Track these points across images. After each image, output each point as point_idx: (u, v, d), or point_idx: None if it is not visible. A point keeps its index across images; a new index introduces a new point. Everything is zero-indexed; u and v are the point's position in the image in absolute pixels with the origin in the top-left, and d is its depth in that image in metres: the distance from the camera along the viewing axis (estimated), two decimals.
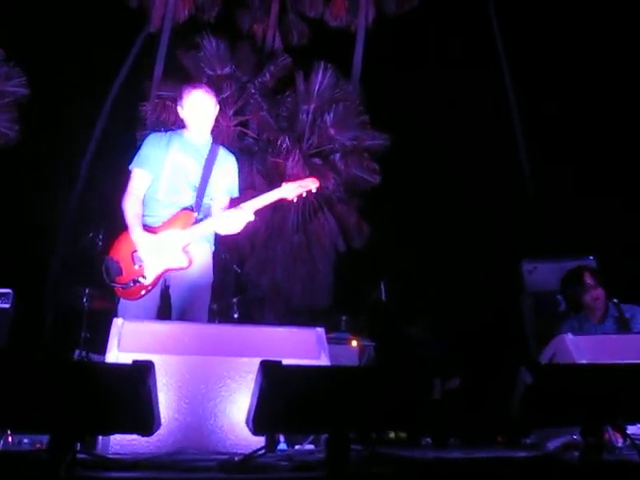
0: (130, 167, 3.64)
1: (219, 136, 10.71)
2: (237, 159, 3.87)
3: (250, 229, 10.63)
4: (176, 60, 11.27)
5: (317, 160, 10.74)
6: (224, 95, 10.69)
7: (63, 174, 12.41)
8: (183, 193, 3.56)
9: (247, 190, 10.02)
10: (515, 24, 12.89)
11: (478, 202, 11.79)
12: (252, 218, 3.50)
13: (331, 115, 10.70)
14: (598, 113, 11.20)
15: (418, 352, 6.41)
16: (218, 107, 3.76)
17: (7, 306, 5.13)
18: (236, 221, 3.49)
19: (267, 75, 10.91)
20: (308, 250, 10.42)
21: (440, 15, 12.96)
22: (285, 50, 12.58)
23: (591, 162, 10.89)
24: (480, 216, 11.62)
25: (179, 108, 3.72)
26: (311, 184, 3.60)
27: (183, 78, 10.76)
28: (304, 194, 3.59)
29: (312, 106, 10.78)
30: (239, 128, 10.99)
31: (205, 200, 3.60)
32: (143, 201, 3.59)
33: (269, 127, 10.70)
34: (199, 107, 3.63)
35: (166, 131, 3.85)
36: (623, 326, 4.22)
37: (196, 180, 3.58)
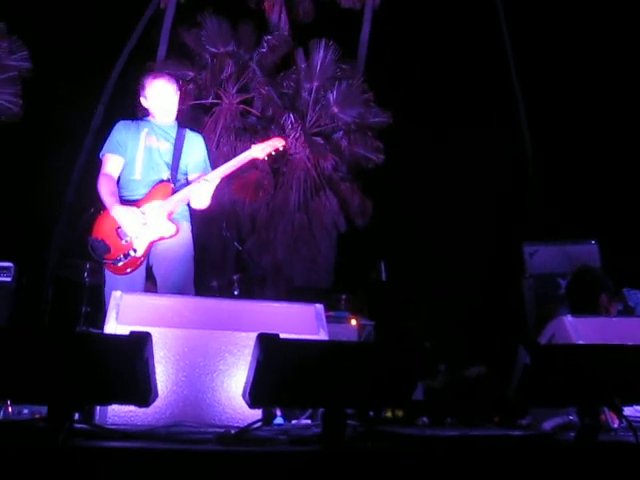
0: (101, 154, 3.78)
1: (221, 113, 10.69)
2: (204, 139, 4.04)
3: (251, 208, 10.57)
4: (179, 39, 11.18)
5: (319, 139, 10.68)
6: (226, 74, 10.63)
7: (66, 149, 12.37)
8: (160, 171, 3.70)
9: (250, 169, 10.03)
10: (521, 10, 12.77)
11: (480, 184, 11.75)
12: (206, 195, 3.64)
13: (334, 93, 10.63)
14: (600, 96, 11.13)
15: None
16: (179, 93, 3.90)
17: (8, 279, 5.15)
18: (207, 192, 3.63)
19: (265, 47, 10.78)
20: (310, 229, 10.41)
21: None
22: (291, 28, 12.47)
23: (593, 145, 10.84)
24: (482, 198, 11.58)
25: (142, 99, 3.87)
26: (277, 143, 3.83)
27: (186, 56, 10.73)
28: (273, 153, 3.80)
29: (315, 84, 10.70)
30: (242, 106, 10.93)
31: (179, 176, 3.75)
32: (120, 184, 3.71)
33: (272, 104, 10.63)
34: (161, 95, 3.78)
35: (132, 120, 3.94)
36: (626, 312, 4.19)
37: (169, 159, 3.74)
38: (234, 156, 10.99)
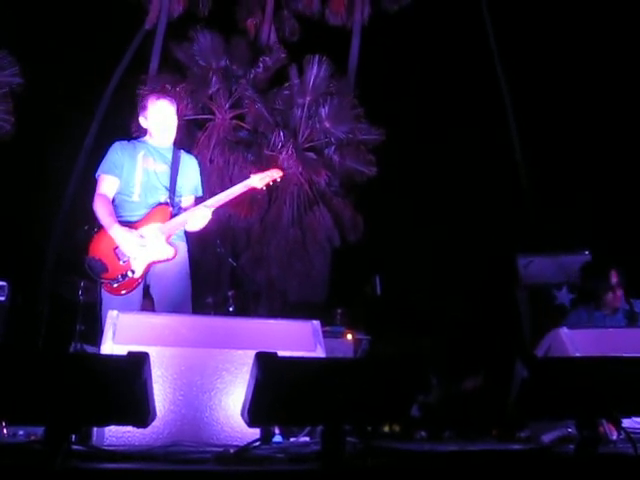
0: (97, 174, 3.76)
1: (214, 129, 10.72)
2: (199, 162, 4.05)
3: (245, 223, 10.56)
4: (171, 54, 11.22)
5: (312, 154, 10.71)
6: (216, 88, 10.67)
7: (60, 166, 12.36)
8: (158, 194, 3.71)
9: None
10: (508, 20, 12.89)
11: (473, 195, 11.79)
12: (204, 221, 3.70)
13: (326, 108, 10.68)
14: (594, 106, 11.21)
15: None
16: (176, 117, 3.91)
17: (2, 298, 5.13)
18: (204, 216, 3.67)
19: (261, 67, 10.85)
20: (303, 244, 10.42)
21: (435, 12, 12.95)
22: (281, 45, 12.55)
23: (587, 155, 10.89)
24: (475, 209, 11.61)
25: (141, 118, 3.86)
26: (275, 174, 3.89)
27: (177, 71, 10.77)
28: (271, 183, 3.87)
29: (307, 99, 10.76)
30: (235, 121, 10.96)
31: (176, 199, 3.76)
32: (117, 204, 3.70)
33: (264, 121, 10.67)
34: (163, 116, 3.79)
35: (129, 140, 3.94)
36: (632, 320, 4.23)
37: (166, 182, 3.75)
38: (227, 169, 11.00)
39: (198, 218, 3.66)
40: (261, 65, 10.85)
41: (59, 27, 11.91)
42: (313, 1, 13.00)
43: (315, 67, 10.67)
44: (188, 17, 12.62)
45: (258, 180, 3.81)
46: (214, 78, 10.60)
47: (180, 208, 3.75)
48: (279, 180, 3.92)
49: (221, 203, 3.73)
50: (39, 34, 11.52)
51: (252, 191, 3.88)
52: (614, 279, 4.28)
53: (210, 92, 10.72)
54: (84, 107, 12.77)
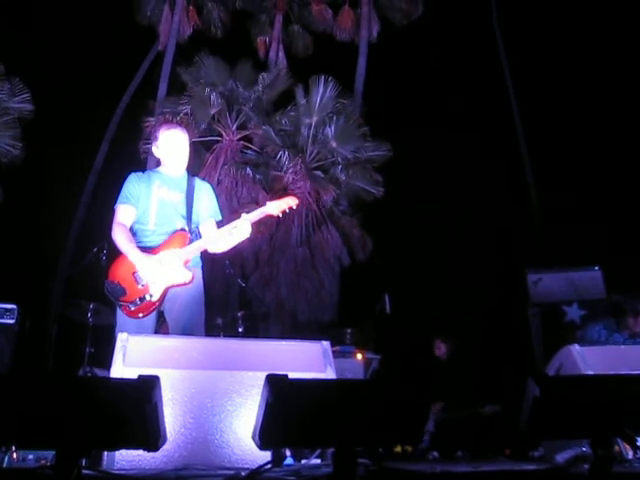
0: (115, 206, 3.82)
1: (222, 150, 10.79)
2: (213, 187, 4.12)
3: (254, 244, 10.57)
4: (179, 77, 11.35)
5: (319, 173, 10.74)
6: (222, 110, 10.75)
7: (69, 189, 12.45)
8: (174, 222, 3.78)
9: (251, 204, 10.07)
10: (519, 37, 12.95)
11: (482, 213, 11.77)
12: (248, 232, 3.74)
13: (332, 128, 10.72)
14: (603, 122, 11.21)
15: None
16: (188, 146, 3.97)
17: (12, 322, 5.15)
18: (226, 239, 3.75)
19: (260, 86, 10.94)
20: (312, 264, 10.40)
21: (444, 28, 13.05)
22: (289, 64, 12.67)
23: (596, 172, 10.88)
24: (484, 227, 11.60)
25: (154, 148, 3.96)
26: (291, 201, 3.94)
27: (186, 94, 10.87)
28: (287, 210, 3.91)
29: (314, 120, 10.81)
30: (242, 142, 11.02)
31: (192, 226, 3.83)
32: (134, 232, 3.77)
33: (271, 142, 10.73)
34: (175, 145, 3.88)
35: (143, 171, 4.01)
36: None
37: (183, 210, 3.82)
38: (235, 190, 10.99)
39: (217, 243, 3.76)
40: (261, 84, 10.93)
41: (69, 50, 12.09)
42: (324, 14, 13.18)
43: (321, 87, 10.73)
44: (197, 39, 12.83)
45: (275, 207, 3.86)
46: (220, 100, 10.68)
47: (197, 234, 3.81)
48: (294, 207, 3.97)
49: (243, 226, 3.74)
50: (49, 57, 11.68)
51: (268, 217, 3.94)
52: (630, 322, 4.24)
53: (216, 114, 10.80)
54: (93, 131, 12.92)
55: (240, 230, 3.70)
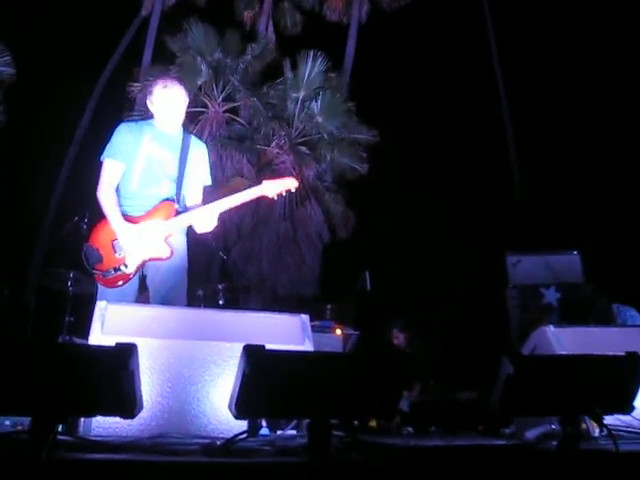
0: (102, 158, 3.62)
1: (207, 122, 10.68)
2: (207, 147, 3.91)
3: (237, 217, 10.53)
4: (165, 46, 11.17)
5: (304, 148, 10.70)
6: (208, 80, 10.62)
7: (51, 158, 12.30)
8: (161, 184, 3.59)
9: (236, 177, 10.03)
10: (509, 21, 12.93)
11: (464, 194, 11.84)
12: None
13: (318, 102, 10.67)
14: (584, 107, 11.28)
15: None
16: (187, 100, 3.75)
17: None
18: (213, 218, 3.54)
19: (249, 55, 10.80)
20: (294, 239, 10.42)
21: (434, 11, 12.98)
22: (278, 40, 12.53)
23: (578, 155, 10.96)
24: (465, 208, 11.67)
25: (148, 102, 3.72)
26: (290, 183, 3.60)
27: (171, 63, 10.72)
28: (284, 193, 3.60)
29: (301, 94, 10.74)
30: (228, 114, 10.93)
31: (183, 190, 3.64)
32: (117, 192, 3.59)
33: (258, 114, 10.65)
34: (171, 101, 3.63)
35: (136, 121, 3.82)
36: None
37: (172, 171, 3.61)
38: (220, 164, 10.90)
39: (203, 222, 3.53)
40: (249, 53, 10.79)
41: (53, 17, 11.84)
42: None
43: (310, 62, 10.65)
44: (183, 8, 12.60)
45: (271, 188, 3.56)
46: (207, 70, 10.55)
47: (185, 206, 3.63)
48: (292, 190, 3.62)
49: (227, 208, 3.55)
50: (32, 24, 11.44)
51: (262, 199, 3.64)
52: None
53: (202, 84, 10.66)
54: (76, 98, 12.72)
55: (200, 222, 3.52)
